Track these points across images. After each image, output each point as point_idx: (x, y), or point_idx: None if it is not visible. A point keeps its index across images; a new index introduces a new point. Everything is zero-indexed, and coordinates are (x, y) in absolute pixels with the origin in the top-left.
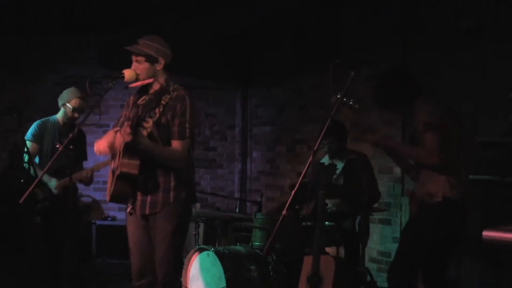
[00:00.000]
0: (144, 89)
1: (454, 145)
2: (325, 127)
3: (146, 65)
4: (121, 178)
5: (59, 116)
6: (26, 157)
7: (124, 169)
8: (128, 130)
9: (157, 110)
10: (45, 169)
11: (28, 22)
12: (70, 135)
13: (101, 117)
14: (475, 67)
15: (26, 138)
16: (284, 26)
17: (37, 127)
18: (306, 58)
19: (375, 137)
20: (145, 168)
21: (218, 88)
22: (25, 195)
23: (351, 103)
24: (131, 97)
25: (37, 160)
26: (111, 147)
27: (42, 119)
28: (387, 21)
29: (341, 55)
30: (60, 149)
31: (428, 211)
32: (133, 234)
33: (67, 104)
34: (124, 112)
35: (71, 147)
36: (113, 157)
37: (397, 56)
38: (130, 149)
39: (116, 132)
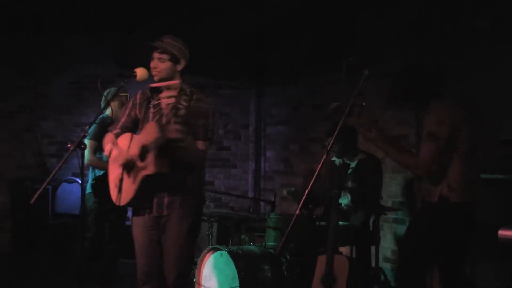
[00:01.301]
0: (157, 90)
1: (467, 147)
2: (337, 129)
3: (169, 64)
4: (149, 178)
5: (109, 112)
6: (86, 154)
7: (158, 169)
8: (178, 127)
9: (181, 112)
10: (56, 169)
11: (42, 22)
12: (82, 133)
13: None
14: (494, 66)
15: (87, 137)
16: (298, 24)
17: (97, 126)
18: (321, 57)
19: (369, 136)
20: (174, 167)
21: (232, 87)
22: (36, 195)
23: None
24: (138, 97)
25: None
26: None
27: (100, 117)
28: (402, 20)
29: (355, 53)
30: (71, 148)
31: (426, 210)
32: (141, 235)
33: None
34: (128, 111)
35: (82, 146)
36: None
37: (412, 56)
38: (164, 147)
39: (116, 135)
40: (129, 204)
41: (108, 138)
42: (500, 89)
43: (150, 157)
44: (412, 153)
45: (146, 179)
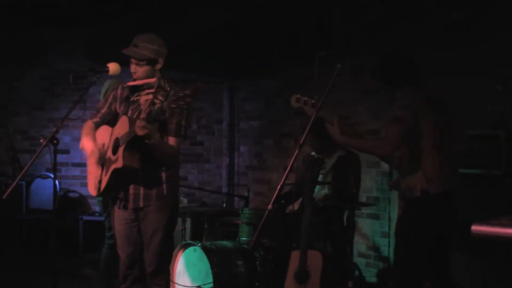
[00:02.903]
0: (137, 86)
1: (437, 137)
2: (311, 122)
3: (147, 67)
4: (119, 171)
5: None
6: None
7: (127, 163)
8: (144, 124)
9: (156, 107)
10: (28, 165)
11: (13, 15)
12: (54, 129)
13: (86, 112)
14: (464, 60)
15: None
16: (271, 18)
17: None
18: (293, 50)
19: (336, 138)
20: (146, 161)
21: (206, 82)
22: (9, 190)
23: (313, 101)
24: (119, 91)
25: None
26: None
27: None
28: (375, 13)
29: (328, 47)
30: (44, 143)
31: (410, 207)
32: (121, 228)
33: None
34: (108, 104)
35: (54, 141)
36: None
37: (384, 49)
38: (134, 142)
39: (96, 124)
40: (100, 194)
41: (87, 127)
42: (472, 83)
43: (120, 151)
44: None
45: (116, 171)
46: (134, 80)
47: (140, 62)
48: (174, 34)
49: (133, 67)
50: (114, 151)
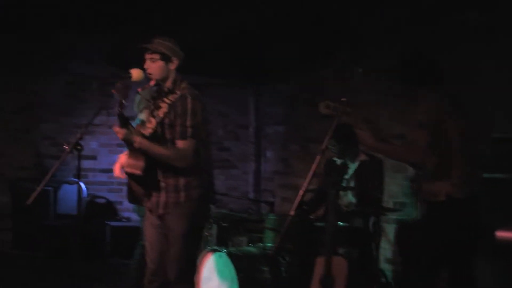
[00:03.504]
0: (161, 89)
1: (458, 140)
2: (331, 129)
3: (161, 63)
4: (130, 178)
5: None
6: None
7: (129, 170)
8: (116, 129)
9: (161, 111)
10: (52, 171)
11: (37, 21)
12: (78, 135)
13: (112, 118)
14: (489, 62)
15: None
16: (293, 21)
17: None
18: (316, 54)
19: (359, 135)
20: (153, 169)
21: (230, 87)
22: (34, 195)
23: (341, 107)
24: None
25: None
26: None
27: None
28: (394, 15)
29: (344, 48)
30: (67, 150)
31: (433, 211)
32: (149, 232)
33: None
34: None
35: (79, 147)
36: None
37: (404, 50)
38: (133, 149)
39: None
40: (130, 202)
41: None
42: (492, 85)
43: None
44: (406, 146)
45: (130, 179)
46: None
47: (154, 56)
48: (197, 38)
49: (146, 63)
50: None
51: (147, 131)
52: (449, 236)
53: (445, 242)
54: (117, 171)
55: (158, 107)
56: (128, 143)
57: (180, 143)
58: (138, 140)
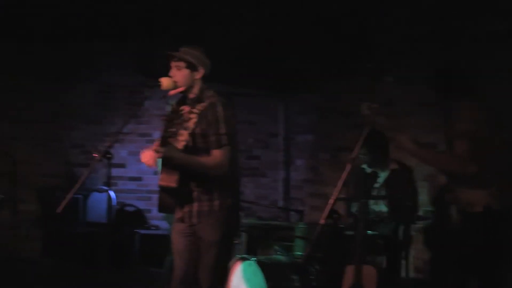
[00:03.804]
0: (184, 99)
1: (497, 151)
2: (362, 137)
3: (186, 72)
4: (163, 190)
5: None
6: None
7: (163, 183)
8: (155, 148)
9: (191, 121)
10: (82, 179)
11: (67, 30)
12: (108, 143)
13: (142, 126)
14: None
15: None
16: (322, 30)
17: None
18: (347, 63)
19: (399, 140)
20: (187, 180)
21: (260, 95)
22: (63, 204)
23: (380, 109)
24: (174, 105)
25: None
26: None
27: None
28: (422, 24)
29: (377, 58)
30: (97, 158)
31: (469, 222)
32: (178, 242)
33: None
34: (164, 128)
35: (108, 155)
36: None
37: (434, 59)
38: (167, 163)
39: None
40: (160, 211)
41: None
42: None
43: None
44: (446, 154)
45: (161, 191)
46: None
47: (179, 64)
48: (227, 48)
49: (172, 71)
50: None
51: (180, 144)
52: (483, 247)
53: (478, 253)
54: (147, 159)
55: (187, 118)
56: (167, 160)
57: (216, 152)
58: (178, 156)
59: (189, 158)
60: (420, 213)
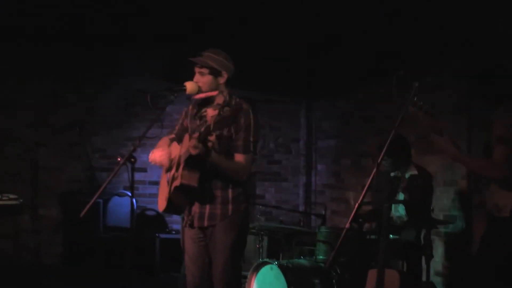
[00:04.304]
0: (205, 102)
1: None
2: (389, 139)
3: (209, 77)
4: (180, 189)
5: None
6: None
7: (185, 181)
8: (195, 143)
9: (220, 124)
10: (105, 183)
11: (91, 35)
12: (132, 147)
13: (163, 130)
14: None
15: None
16: (347, 37)
17: None
18: (370, 69)
19: (451, 153)
20: (203, 180)
21: (282, 101)
22: (86, 208)
23: (427, 107)
24: (190, 107)
25: None
26: (168, 157)
27: None
28: (448, 31)
29: (405, 65)
30: (121, 162)
31: (495, 226)
32: (189, 247)
33: None
34: (181, 121)
35: (132, 160)
36: (168, 167)
37: (459, 65)
38: (193, 161)
39: (171, 139)
40: (165, 211)
41: (162, 141)
42: None
43: (180, 169)
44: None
45: (178, 189)
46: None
47: (203, 71)
48: (249, 54)
49: (196, 77)
50: (177, 169)
51: (209, 144)
52: (508, 253)
53: (502, 258)
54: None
55: (217, 120)
56: (199, 158)
57: (241, 157)
58: (213, 156)
59: (221, 159)
60: (441, 218)
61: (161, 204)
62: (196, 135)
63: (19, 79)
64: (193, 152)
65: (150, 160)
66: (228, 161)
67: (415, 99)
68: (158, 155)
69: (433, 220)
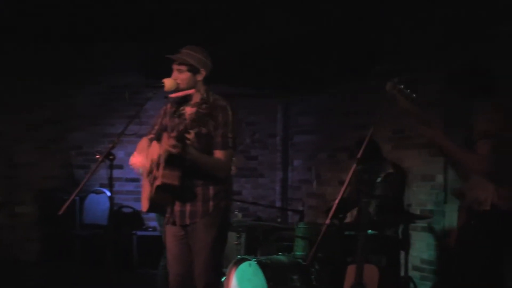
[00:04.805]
0: (183, 99)
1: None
2: (368, 135)
3: (188, 74)
4: (162, 189)
5: None
6: None
7: (166, 180)
8: (173, 142)
9: (198, 121)
10: (84, 181)
11: (69, 32)
12: (111, 144)
13: (141, 127)
14: None
15: None
16: (324, 32)
17: None
18: (347, 65)
19: (431, 132)
20: (185, 178)
21: (259, 96)
22: (65, 206)
23: (408, 91)
24: (168, 106)
25: None
26: (149, 160)
27: None
28: (431, 27)
29: (380, 61)
30: (100, 159)
31: (475, 220)
32: (171, 244)
33: None
34: (160, 120)
35: (110, 157)
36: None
37: (437, 62)
38: (172, 160)
39: (150, 140)
40: (148, 210)
41: (142, 143)
42: None
43: (161, 168)
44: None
45: (159, 188)
46: (176, 92)
47: (181, 68)
48: (228, 50)
49: (174, 74)
50: (158, 168)
51: (187, 142)
52: (489, 246)
53: (482, 252)
54: (138, 161)
55: (191, 118)
56: (179, 156)
57: (221, 154)
58: (193, 152)
59: (201, 156)
60: (418, 212)
61: (144, 204)
62: (174, 134)
63: None
64: (172, 151)
65: (130, 164)
66: (208, 158)
67: (397, 80)
68: (138, 160)
69: (412, 215)
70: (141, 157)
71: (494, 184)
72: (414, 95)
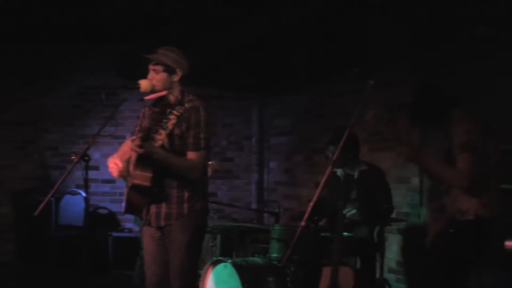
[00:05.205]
0: (161, 101)
1: (493, 160)
2: (344, 138)
3: (164, 75)
4: (135, 189)
5: None
6: None
7: (137, 181)
8: (138, 143)
9: (170, 122)
10: (60, 182)
11: (43, 31)
12: (86, 146)
13: (117, 128)
14: (498, 73)
15: None
16: (301, 34)
17: None
18: (323, 67)
19: (410, 152)
20: (159, 180)
21: (235, 98)
22: (40, 207)
23: (388, 119)
24: (146, 109)
25: None
26: (125, 161)
27: None
28: (403, 29)
29: (358, 63)
30: (76, 160)
31: (458, 229)
32: (148, 245)
33: None
34: (140, 122)
35: (86, 158)
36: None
37: (413, 64)
38: (143, 160)
39: (132, 142)
40: (125, 212)
41: (125, 145)
42: (504, 97)
43: (132, 169)
44: (450, 165)
45: (132, 189)
46: (151, 93)
47: (157, 68)
48: (204, 51)
49: (150, 74)
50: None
51: (158, 142)
52: (474, 255)
53: (468, 260)
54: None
55: (167, 118)
56: (145, 156)
57: (193, 155)
58: (159, 152)
59: (169, 156)
60: (393, 215)
61: (124, 206)
62: (140, 134)
63: None
64: (138, 151)
65: (108, 163)
66: (177, 159)
67: (377, 113)
68: (112, 162)
69: (386, 217)
70: (116, 159)
71: (474, 195)
72: (392, 118)
